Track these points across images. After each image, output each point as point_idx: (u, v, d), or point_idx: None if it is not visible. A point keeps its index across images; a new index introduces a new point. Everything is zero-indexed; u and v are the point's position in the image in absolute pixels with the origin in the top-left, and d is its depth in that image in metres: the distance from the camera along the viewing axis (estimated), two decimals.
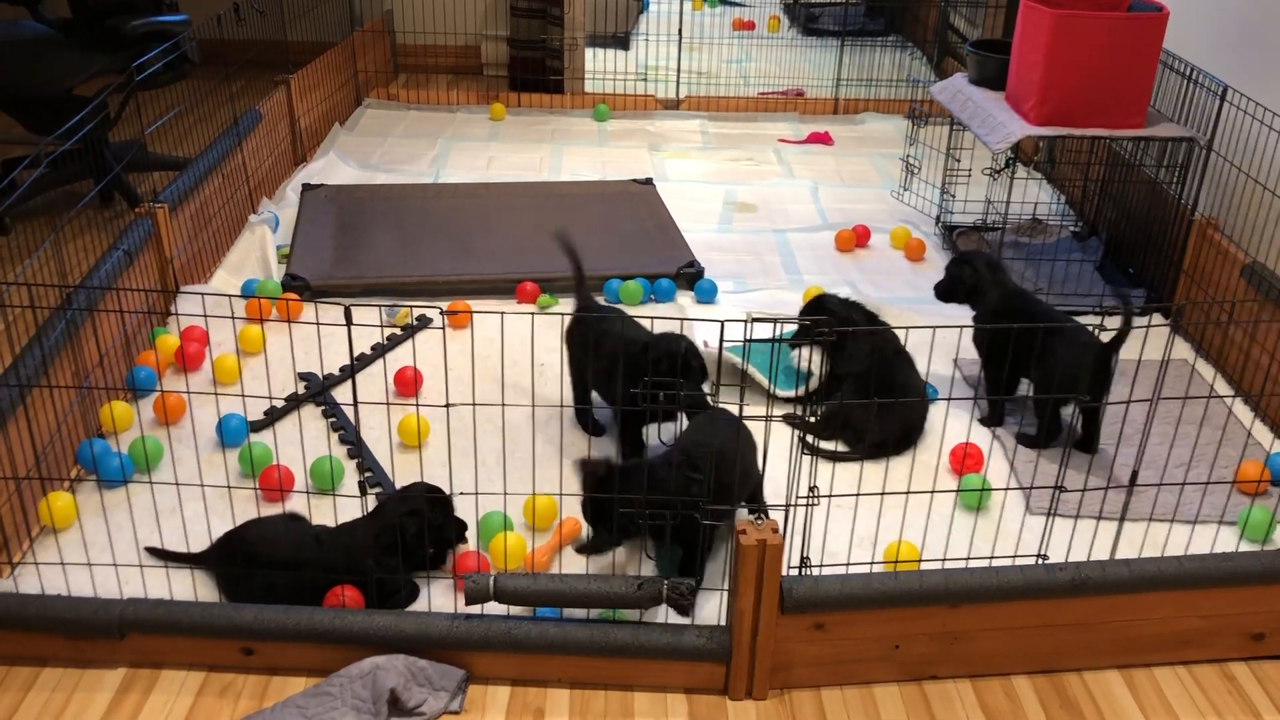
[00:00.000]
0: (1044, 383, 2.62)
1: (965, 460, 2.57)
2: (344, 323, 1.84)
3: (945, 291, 2.87)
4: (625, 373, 2.37)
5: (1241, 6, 3.22)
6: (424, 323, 3.13)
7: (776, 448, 2.62)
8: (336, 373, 2.89)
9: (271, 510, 2.38)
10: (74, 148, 2.63)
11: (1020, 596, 2.05)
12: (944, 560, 2.17)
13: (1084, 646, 2.13)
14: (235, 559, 2.13)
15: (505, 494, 2.34)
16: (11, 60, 3.75)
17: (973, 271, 2.80)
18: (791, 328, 2.88)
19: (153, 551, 2.25)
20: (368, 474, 2.52)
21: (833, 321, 2.80)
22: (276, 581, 2.11)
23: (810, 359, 2.88)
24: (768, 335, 2.99)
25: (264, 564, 2.11)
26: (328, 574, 2.11)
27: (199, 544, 2.27)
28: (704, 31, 6.23)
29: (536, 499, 2.35)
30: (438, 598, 2.18)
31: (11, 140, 4.43)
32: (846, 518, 2.35)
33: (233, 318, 2.80)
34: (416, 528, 2.12)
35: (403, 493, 2.22)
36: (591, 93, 5.14)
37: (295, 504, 2.42)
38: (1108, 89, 3.12)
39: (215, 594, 2.17)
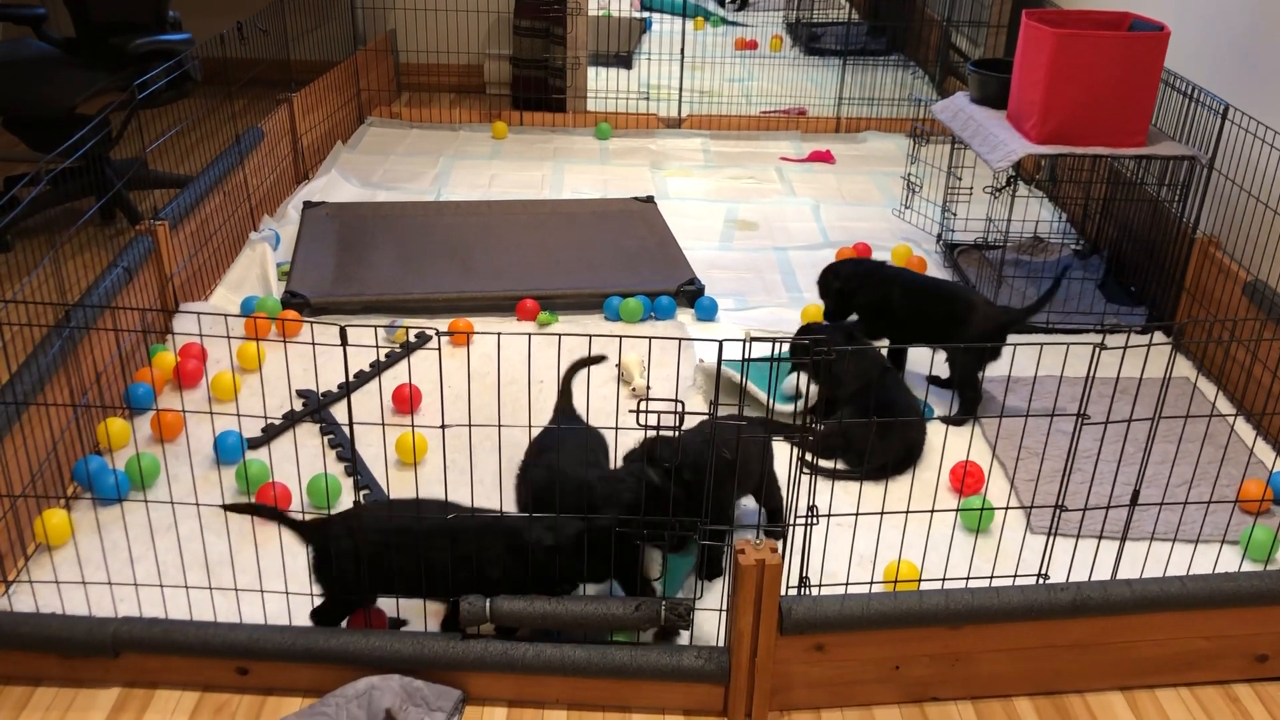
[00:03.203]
0: (956, 350, 2.84)
1: (965, 479, 2.56)
2: (340, 342, 1.83)
3: (833, 313, 3.06)
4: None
5: (1243, 26, 3.22)
6: (422, 340, 3.13)
7: (776, 466, 2.60)
8: (334, 390, 2.89)
9: (269, 528, 2.37)
10: (76, 165, 2.63)
11: (1021, 617, 2.03)
12: (944, 580, 2.16)
13: (1086, 668, 2.11)
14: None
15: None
16: (15, 79, 3.77)
17: (835, 277, 3.02)
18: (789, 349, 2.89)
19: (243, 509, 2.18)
20: (365, 491, 2.51)
21: (835, 340, 2.81)
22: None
23: (803, 380, 2.88)
24: (766, 354, 2.99)
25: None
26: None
27: (194, 563, 2.27)
28: (706, 51, 6.25)
29: None
30: (434, 618, 2.17)
31: (14, 158, 4.45)
32: (846, 537, 2.33)
33: (229, 336, 2.80)
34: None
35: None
36: (594, 111, 5.15)
37: None
38: (1109, 108, 3.12)
39: (211, 612, 2.16)
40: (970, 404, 2.85)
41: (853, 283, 3.00)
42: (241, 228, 3.68)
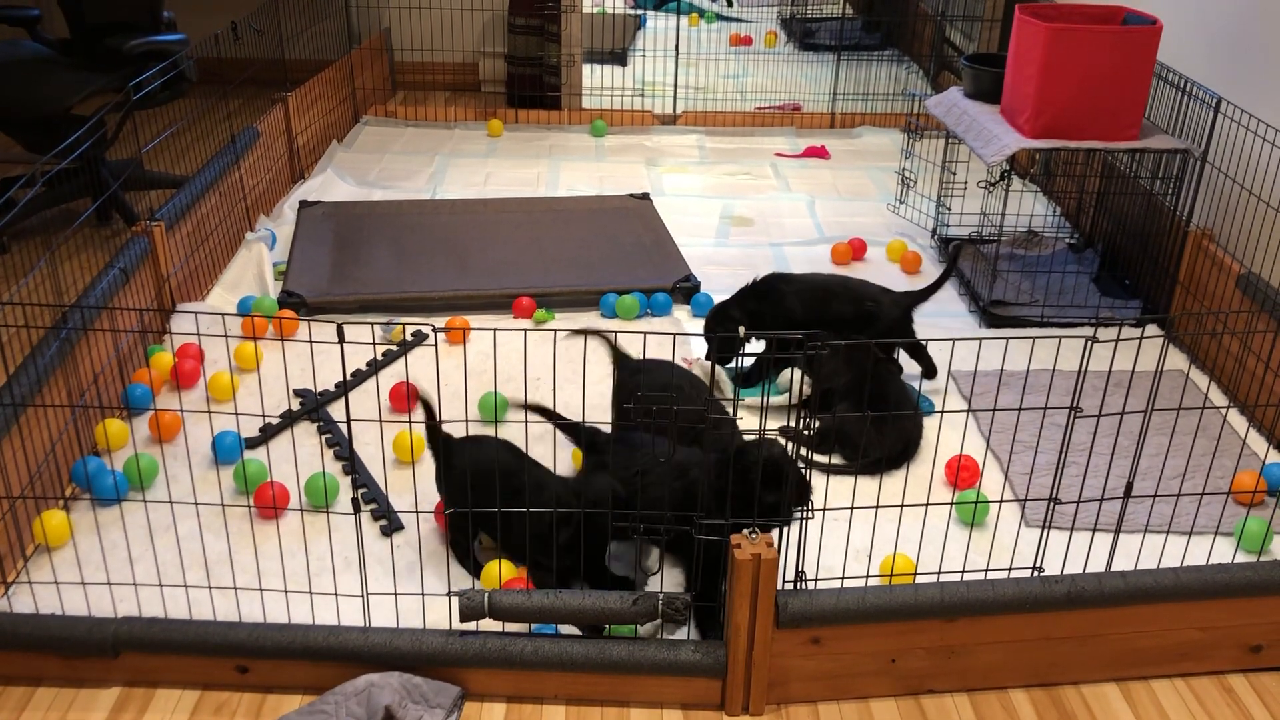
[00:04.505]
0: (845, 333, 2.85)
1: (960, 472, 2.57)
2: (337, 340, 1.84)
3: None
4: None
5: (1234, 19, 3.23)
6: (419, 339, 3.14)
7: None
8: (331, 389, 2.90)
9: (268, 528, 2.39)
10: (71, 166, 2.64)
11: (1016, 609, 2.05)
12: (939, 573, 2.17)
13: (1081, 659, 2.12)
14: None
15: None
16: (10, 80, 3.77)
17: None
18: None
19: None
20: (363, 490, 2.52)
21: (825, 336, 2.82)
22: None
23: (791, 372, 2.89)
24: (760, 349, 3.00)
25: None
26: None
27: (193, 563, 2.27)
28: (701, 47, 6.25)
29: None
30: (432, 614, 2.18)
31: (10, 159, 4.45)
32: (841, 531, 2.34)
33: (226, 336, 2.81)
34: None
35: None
36: (589, 108, 5.16)
37: (290, 521, 2.42)
38: (1102, 102, 3.12)
39: (209, 611, 2.17)
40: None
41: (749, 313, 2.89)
42: (238, 228, 3.68)
